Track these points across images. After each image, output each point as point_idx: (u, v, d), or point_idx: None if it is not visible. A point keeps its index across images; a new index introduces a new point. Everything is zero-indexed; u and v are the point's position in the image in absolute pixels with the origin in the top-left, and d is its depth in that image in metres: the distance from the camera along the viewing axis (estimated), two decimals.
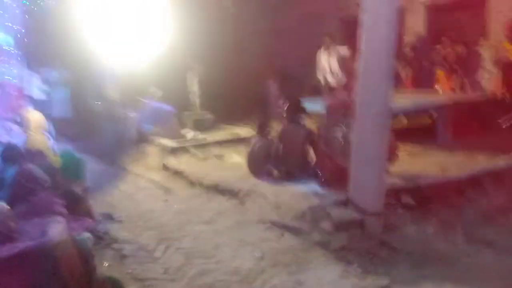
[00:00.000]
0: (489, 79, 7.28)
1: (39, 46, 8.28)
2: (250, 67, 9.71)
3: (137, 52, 7.45)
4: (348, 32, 10.70)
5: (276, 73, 9.57)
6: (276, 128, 6.86)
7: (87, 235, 3.36)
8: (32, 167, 3.30)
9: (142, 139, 7.41)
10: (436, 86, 7.50)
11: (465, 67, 7.54)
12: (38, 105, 8.34)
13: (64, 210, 3.24)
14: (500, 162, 4.81)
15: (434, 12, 8.44)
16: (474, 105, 6.48)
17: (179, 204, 4.83)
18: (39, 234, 2.64)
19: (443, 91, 7.28)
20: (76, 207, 3.65)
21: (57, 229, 2.71)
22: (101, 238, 3.86)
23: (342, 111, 4.49)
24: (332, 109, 4.58)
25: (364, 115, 3.59)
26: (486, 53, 7.32)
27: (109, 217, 4.43)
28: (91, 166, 6.14)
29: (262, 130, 5.11)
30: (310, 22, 10.53)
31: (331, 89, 7.66)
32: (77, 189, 3.88)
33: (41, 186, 3.22)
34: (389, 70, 3.50)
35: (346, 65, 7.36)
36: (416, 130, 6.62)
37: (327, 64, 7.76)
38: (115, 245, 3.79)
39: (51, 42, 8.47)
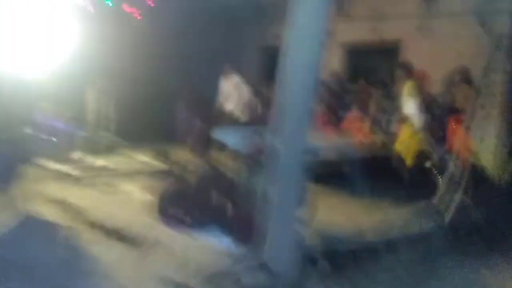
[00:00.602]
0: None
1: None
2: (159, 89, 9.11)
3: (32, 61, 6.56)
4: (268, 62, 10.73)
5: (187, 97, 9.06)
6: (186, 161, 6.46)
7: None
8: None
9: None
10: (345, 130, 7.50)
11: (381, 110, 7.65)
12: None
13: None
14: (414, 228, 4.81)
15: (351, 54, 8.70)
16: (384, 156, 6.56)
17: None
18: None
19: (354, 137, 7.28)
20: None
21: None
22: None
23: (257, 157, 4.16)
24: (249, 156, 4.25)
25: (275, 163, 3.30)
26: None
27: None
28: None
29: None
30: (229, 48, 10.26)
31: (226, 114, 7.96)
32: None
33: None
34: (308, 114, 3.27)
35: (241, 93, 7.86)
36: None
37: (225, 92, 8.04)
38: None
39: None
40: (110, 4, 8.27)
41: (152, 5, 9.03)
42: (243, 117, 7.88)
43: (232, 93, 7.98)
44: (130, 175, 6.31)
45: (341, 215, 5.16)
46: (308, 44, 3.25)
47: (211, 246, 3.96)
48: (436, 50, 7.38)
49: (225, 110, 8.06)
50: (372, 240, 4.33)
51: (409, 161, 6.21)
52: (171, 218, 4.43)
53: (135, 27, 8.44)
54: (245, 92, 7.86)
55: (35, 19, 6.28)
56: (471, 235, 4.68)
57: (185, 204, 4.45)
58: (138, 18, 8.92)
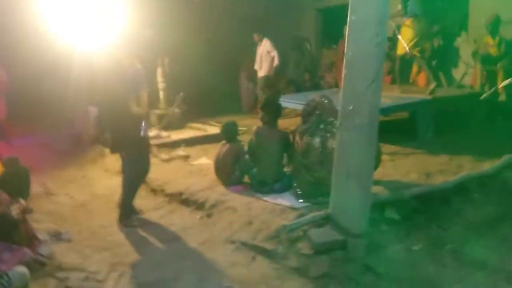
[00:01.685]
0: (467, 73, 7.04)
1: None
2: (219, 60, 9.18)
3: (100, 45, 6.80)
4: (326, 23, 10.43)
5: (247, 65, 9.10)
6: (247, 127, 6.48)
7: (21, 269, 2.84)
8: None
9: (101, 137, 6.79)
10: (412, 81, 7.19)
11: (442, 60, 7.26)
12: None
13: None
14: (486, 167, 4.49)
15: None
16: (453, 100, 6.18)
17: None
18: None
19: (419, 87, 6.97)
20: (11, 234, 3.09)
21: None
22: (43, 264, 3.30)
23: (318, 115, 4.01)
24: (307, 111, 4.10)
25: (349, 124, 3.14)
26: (465, 47, 7.06)
27: (56, 235, 3.86)
28: (41, 167, 5.57)
29: (229, 134, 4.60)
30: (283, 12, 10.10)
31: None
32: (15, 212, 3.29)
33: None
34: (379, 74, 3.06)
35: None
36: (392, 126, 6.30)
37: (259, 56, 8.49)
38: (60, 273, 3.24)
39: None
40: None
41: None
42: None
43: (265, 57, 8.36)
44: (199, 144, 6.43)
45: (407, 162, 4.94)
46: None
47: (273, 204, 3.93)
48: None
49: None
50: (440, 185, 4.08)
51: None
52: (231, 179, 4.45)
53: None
54: (276, 56, 8.27)
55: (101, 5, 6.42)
56: None
57: (243, 166, 4.44)
58: None
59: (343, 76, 3.26)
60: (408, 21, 6.35)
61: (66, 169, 5.98)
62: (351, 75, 3.18)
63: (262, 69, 8.47)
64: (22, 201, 3.58)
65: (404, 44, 6.23)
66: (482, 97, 5.84)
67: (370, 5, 3.07)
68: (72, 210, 4.55)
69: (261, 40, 8.44)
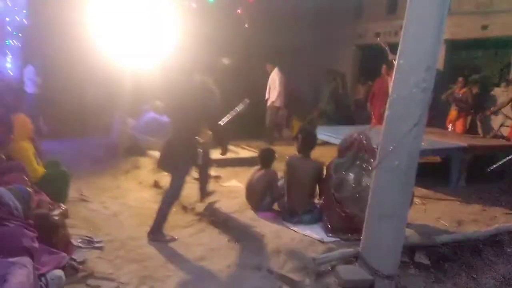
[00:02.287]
0: (505, 125, 6.98)
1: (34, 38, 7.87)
2: (260, 84, 9.36)
3: (143, 58, 7.07)
4: (363, 60, 10.57)
5: (286, 95, 9.29)
6: (279, 155, 6.53)
7: (58, 273, 2.95)
8: (2, 191, 2.85)
9: (136, 150, 7.00)
10: (449, 127, 7.16)
11: (480, 109, 7.23)
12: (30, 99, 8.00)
13: (34, 245, 2.81)
14: None
15: (452, 49, 8.13)
16: (489, 150, 6.11)
17: (167, 233, 4.38)
18: None
19: (455, 133, 6.94)
20: (51, 236, 3.22)
21: (20, 276, 2.27)
22: (76, 270, 3.40)
23: (356, 151, 4.07)
24: (345, 147, 4.16)
25: (387, 165, 3.18)
26: (504, 97, 7.02)
27: (89, 242, 3.97)
28: (77, 173, 5.74)
29: (266, 160, 4.69)
30: (323, 44, 10.28)
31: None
32: (55, 214, 3.43)
33: (11, 214, 2.78)
34: (422, 119, 3.10)
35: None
36: (424, 170, 6.24)
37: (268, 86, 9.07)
38: (91, 281, 3.33)
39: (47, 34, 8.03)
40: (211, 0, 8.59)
41: (251, 1, 9.26)
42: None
43: (272, 85, 8.94)
44: (231, 165, 6.54)
45: (438, 208, 4.90)
46: (426, 41, 3.09)
47: (302, 235, 3.96)
48: None
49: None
50: (473, 234, 4.03)
51: None
52: (261, 205, 4.51)
53: (237, 22, 8.70)
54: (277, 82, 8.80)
55: (144, 18, 6.68)
56: None
57: (274, 193, 4.50)
58: (239, 13, 9.19)
59: (385, 116, 3.31)
60: None
61: (101, 177, 6.16)
62: (394, 117, 3.23)
63: (270, 98, 8.92)
64: (62, 205, 3.73)
65: None
66: None
67: (419, 50, 3.13)
68: (105, 219, 4.68)
69: (272, 71, 8.95)
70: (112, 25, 6.72)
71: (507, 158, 5.44)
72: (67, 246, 3.47)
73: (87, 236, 4.05)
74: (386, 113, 3.30)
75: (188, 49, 5.14)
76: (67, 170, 4.67)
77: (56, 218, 3.37)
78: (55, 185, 4.33)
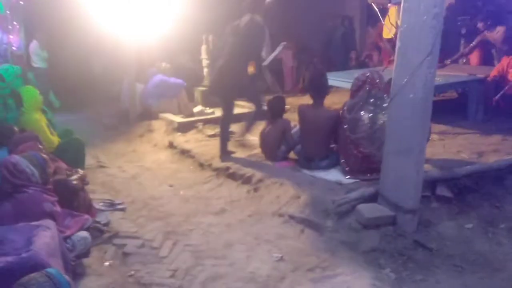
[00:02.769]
0: None
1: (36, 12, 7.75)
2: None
3: (147, 22, 6.93)
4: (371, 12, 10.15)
5: (292, 42, 9.03)
6: (290, 106, 6.46)
7: (83, 234, 3.01)
8: (18, 158, 2.87)
9: (148, 113, 6.99)
10: (463, 60, 6.91)
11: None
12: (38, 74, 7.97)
13: (56, 209, 2.85)
14: None
15: None
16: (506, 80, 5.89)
17: (186, 190, 4.43)
18: (24, 244, 2.25)
19: (470, 66, 6.71)
20: (71, 200, 3.27)
21: (44, 237, 2.31)
22: (101, 231, 3.48)
23: (368, 89, 3.95)
24: (357, 87, 4.04)
25: (402, 98, 3.08)
26: None
27: (111, 205, 4.04)
28: (92, 141, 5.82)
29: (276, 109, 4.61)
30: None
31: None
32: (73, 179, 3.47)
33: (29, 180, 2.80)
34: (436, 47, 2.97)
35: None
36: (440, 106, 6.10)
37: None
38: (117, 240, 3.40)
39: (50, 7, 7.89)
40: None
41: None
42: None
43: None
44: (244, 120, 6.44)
45: (458, 142, 4.81)
46: None
47: (321, 179, 3.94)
48: None
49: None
50: (494, 164, 3.95)
51: None
52: (276, 155, 4.48)
53: None
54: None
55: None
56: None
57: (289, 142, 4.46)
58: None
59: (396, 49, 3.19)
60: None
61: (116, 143, 6.21)
62: (406, 48, 3.10)
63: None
64: (80, 171, 3.76)
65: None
66: None
67: None
68: (124, 182, 4.74)
69: None
70: None
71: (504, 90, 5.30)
72: (89, 209, 3.52)
73: (108, 199, 4.12)
74: (397, 45, 3.17)
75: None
76: (80, 138, 4.68)
77: (75, 182, 3.40)
78: (71, 152, 4.36)
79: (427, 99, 3.11)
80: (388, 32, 6.24)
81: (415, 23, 3.04)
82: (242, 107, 6.74)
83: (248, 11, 4.65)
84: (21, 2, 7.46)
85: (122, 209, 4.01)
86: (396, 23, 6.21)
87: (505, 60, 5.59)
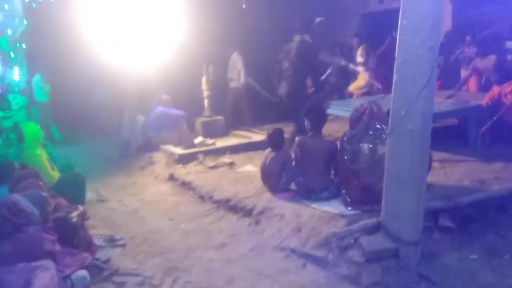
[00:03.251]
0: None
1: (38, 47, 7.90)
2: (263, 67, 9.23)
3: (146, 54, 7.04)
4: (369, 29, 10.32)
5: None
6: (292, 135, 6.48)
7: (82, 273, 2.97)
8: (18, 197, 2.87)
9: (149, 145, 7.01)
10: (463, 87, 6.96)
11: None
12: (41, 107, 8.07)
13: (55, 248, 2.83)
14: None
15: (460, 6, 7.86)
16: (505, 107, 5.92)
17: (187, 223, 4.41)
18: (22, 286, 2.23)
19: (469, 92, 6.75)
20: (71, 237, 3.25)
21: (44, 279, 2.28)
22: (101, 269, 3.44)
23: (367, 121, 3.97)
24: (356, 118, 4.07)
25: (401, 130, 3.10)
26: None
27: (111, 240, 4.01)
28: (92, 175, 5.83)
29: (276, 141, 4.63)
30: (327, 16, 10.04)
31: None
32: (73, 216, 3.45)
33: (29, 219, 2.80)
34: (432, 79, 3.00)
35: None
36: (441, 133, 6.13)
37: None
38: (116, 278, 3.37)
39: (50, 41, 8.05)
40: None
41: None
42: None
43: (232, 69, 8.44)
44: (244, 151, 6.52)
45: (459, 170, 4.79)
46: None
47: (321, 211, 3.91)
48: None
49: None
50: (496, 192, 3.93)
51: None
52: (277, 186, 4.47)
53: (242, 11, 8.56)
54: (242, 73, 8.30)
55: (148, 17, 6.67)
56: None
57: (289, 173, 4.45)
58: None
59: (393, 81, 3.22)
60: None
61: (117, 176, 6.21)
62: (402, 80, 3.13)
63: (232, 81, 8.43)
64: (80, 207, 3.75)
65: None
66: None
67: (422, 8, 3.02)
68: (125, 216, 4.72)
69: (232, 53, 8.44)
70: (113, 24, 6.70)
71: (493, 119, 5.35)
72: (89, 246, 3.50)
73: (109, 235, 4.09)
74: (394, 77, 3.21)
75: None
76: (81, 172, 4.69)
77: (75, 219, 3.38)
78: (71, 188, 4.36)
79: (426, 130, 3.12)
80: None
81: (410, 56, 3.08)
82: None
83: (298, 33, 5.33)
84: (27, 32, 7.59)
85: (122, 245, 3.98)
86: None
87: (496, 89, 5.63)
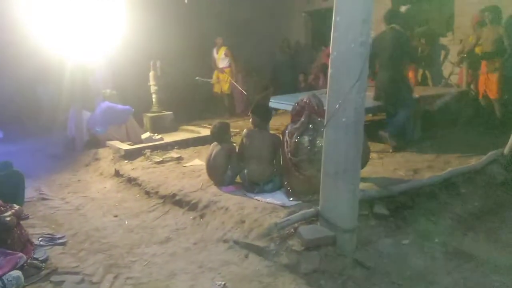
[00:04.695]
0: (454, 73, 7.16)
1: None
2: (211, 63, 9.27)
3: (91, 49, 6.86)
4: (315, 26, 10.55)
5: (241, 67, 9.24)
6: (239, 129, 6.55)
7: (16, 273, 2.89)
8: None
9: (95, 142, 6.85)
10: None
11: (429, 60, 7.38)
12: None
13: None
14: (472, 162, 4.58)
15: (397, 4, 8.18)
16: (439, 98, 6.26)
17: (131, 219, 4.36)
18: None
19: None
20: (4, 238, 3.14)
21: None
22: (39, 268, 3.34)
23: (308, 114, 4.09)
24: (297, 111, 4.17)
25: (336, 122, 3.21)
26: (452, 47, 7.18)
27: (51, 239, 3.90)
28: (35, 173, 5.65)
29: (221, 134, 4.66)
30: (272, 14, 10.21)
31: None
32: (7, 216, 3.33)
33: None
34: (364, 73, 3.13)
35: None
36: (381, 125, 6.39)
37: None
38: (55, 277, 3.28)
39: None
40: None
41: None
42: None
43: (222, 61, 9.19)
44: (192, 146, 6.51)
45: (395, 159, 5.02)
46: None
47: (264, 202, 3.99)
48: None
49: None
50: (428, 180, 4.17)
51: None
52: (222, 180, 4.51)
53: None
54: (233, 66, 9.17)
55: (92, 12, 6.50)
56: None
57: (234, 167, 4.50)
58: None
59: (329, 75, 3.33)
60: None
61: (61, 173, 6.03)
62: (336, 74, 3.25)
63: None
64: (15, 206, 3.62)
65: None
66: None
67: (354, 5, 3.13)
68: (67, 214, 4.59)
69: (220, 46, 9.09)
70: (57, 19, 6.50)
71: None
72: (25, 246, 3.39)
73: (49, 234, 3.98)
74: (329, 71, 3.32)
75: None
76: (19, 170, 4.52)
77: (8, 219, 3.27)
78: (9, 186, 4.20)
79: (359, 122, 3.25)
80: None
81: (344, 51, 3.19)
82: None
83: (387, 23, 5.51)
84: None
85: (63, 243, 3.88)
86: None
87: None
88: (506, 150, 4.73)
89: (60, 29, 6.57)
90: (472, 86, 6.68)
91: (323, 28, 9.21)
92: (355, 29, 3.13)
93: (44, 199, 5.08)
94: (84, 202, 4.94)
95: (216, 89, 9.34)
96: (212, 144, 4.74)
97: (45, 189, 5.41)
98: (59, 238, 3.92)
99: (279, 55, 10.33)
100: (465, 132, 6.04)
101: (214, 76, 9.26)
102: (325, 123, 3.38)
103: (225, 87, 9.19)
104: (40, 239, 3.84)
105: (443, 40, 7.54)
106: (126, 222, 4.29)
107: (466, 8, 7.09)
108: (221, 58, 9.11)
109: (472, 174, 4.38)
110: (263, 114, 4.59)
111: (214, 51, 9.20)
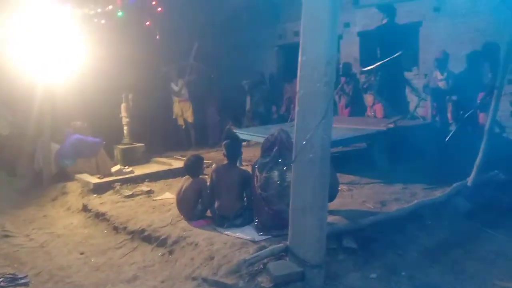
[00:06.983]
0: (419, 106, 7.42)
1: None
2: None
3: (63, 80, 6.81)
4: (286, 59, 10.83)
5: (215, 100, 9.33)
6: (213, 161, 6.56)
7: None
8: None
9: (63, 175, 6.71)
10: (369, 113, 7.51)
11: (395, 93, 7.62)
12: None
13: None
14: (437, 195, 4.71)
15: (366, 40, 8.51)
16: (407, 131, 6.46)
17: (98, 257, 4.25)
18: None
19: (376, 118, 7.29)
20: None
21: None
22: None
23: (278, 149, 4.14)
24: (267, 147, 4.23)
25: (303, 158, 3.27)
26: (417, 80, 7.47)
27: (13, 279, 3.77)
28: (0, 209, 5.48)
29: (194, 168, 4.66)
30: (246, 49, 10.43)
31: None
32: None
33: None
34: (329, 111, 3.22)
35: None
36: (351, 157, 6.53)
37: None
38: None
39: None
40: (120, 14, 8.45)
41: (160, 10, 9.16)
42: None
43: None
44: (163, 178, 6.47)
45: (363, 192, 5.11)
46: (323, 36, 3.20)
47: (234, 238, 3.97)
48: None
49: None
50: (395, 213, 4.25)
51: None
52: (192, 214, 4.48)
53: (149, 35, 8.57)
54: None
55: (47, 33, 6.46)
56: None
57: (205, 201, 4.49)
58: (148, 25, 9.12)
59: (296, 112, 3.41)
60: None
61: (26, 208, 5.87)
62: (303, 112, 3.33)
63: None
64: None
65: None
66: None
67: (318, 46, 3.25)
68: (31, 252, 4.45)
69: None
70: (24, 48, 6.45)
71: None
72: None
73: (10, 274, 3.84)
74: (296, 109, 3.40)
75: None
76: None
77: None
78: None
79: (325, 158, 3.31)
80: None
81: (310, 90, 3.29)
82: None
83: None
84: None
85: (25, 284, 3.75)
86: None
87: None
88: (469, 181, 4.89)
89: (28, 57, 6.51)
90: (437, 118, 6.94)
91: (295, 62, 9.42)
92: (319, 69, 3.23)
93: (7, 236, 4.91)
94: (50, 239, 4.81)
95: (180, 121, 9.36)
96: (183, 178, 4.73)
97: (9, 225, 5.25)
98: (21, 278, 3.79)
99: (253, 88, 10.51)
100: (431, 163, 6.21)
101: (176, 109, 9.28)
102: (293, 159, 3.44)
103: (190, 118, 9.22)
104: (1, 279, 3.70)
105: (408, 74, 7.84)
106: (93, 260, 4.19)
107: (429, 45, 7.44)
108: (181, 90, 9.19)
109: (437, 206, 4.49)
110: (231, 151, 4.60)
111: (173, 84, 9.24)
